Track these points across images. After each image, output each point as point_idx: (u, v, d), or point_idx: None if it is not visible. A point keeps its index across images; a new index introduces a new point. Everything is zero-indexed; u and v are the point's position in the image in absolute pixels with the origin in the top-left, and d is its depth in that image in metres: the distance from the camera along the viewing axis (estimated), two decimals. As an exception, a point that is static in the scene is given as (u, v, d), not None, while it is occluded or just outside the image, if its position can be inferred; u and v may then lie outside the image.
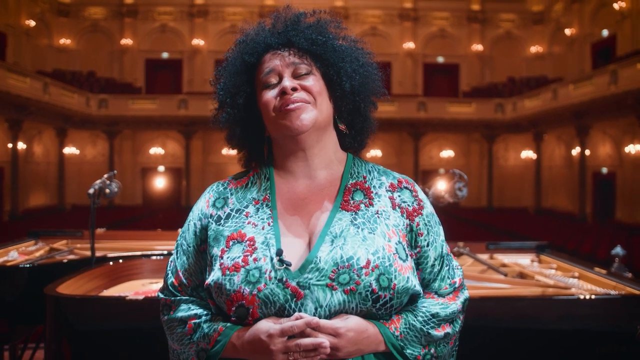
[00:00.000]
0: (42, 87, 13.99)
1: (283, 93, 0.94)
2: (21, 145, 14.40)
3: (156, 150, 18.54)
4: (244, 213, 0.96)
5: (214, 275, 0.91)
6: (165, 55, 19.28)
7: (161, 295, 1.01)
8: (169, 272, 1.01)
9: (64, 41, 18.42)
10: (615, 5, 14.26)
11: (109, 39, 19.01)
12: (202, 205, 1.00)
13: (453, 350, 1.00)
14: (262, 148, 1.05)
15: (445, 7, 19.40)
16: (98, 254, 2.35)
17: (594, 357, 1.78)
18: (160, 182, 18.49)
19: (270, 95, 0.96)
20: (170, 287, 0.99)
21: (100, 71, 18.58)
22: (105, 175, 2.30)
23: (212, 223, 0.97)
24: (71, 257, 2.73)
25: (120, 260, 2.26)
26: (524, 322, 1.84)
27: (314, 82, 0.97)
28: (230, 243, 0.92)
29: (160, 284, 2.29)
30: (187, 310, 0.95)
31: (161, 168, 18.73)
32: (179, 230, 3.46)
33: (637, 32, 13.62)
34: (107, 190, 2.24)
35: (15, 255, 2.65)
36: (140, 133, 18.53)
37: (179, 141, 18.33)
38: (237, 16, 19.11)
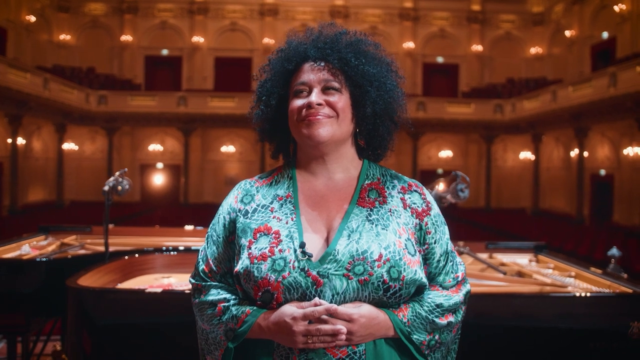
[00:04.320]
0: (42, 83, 13.99)
1: (309, 106, 1.04)
2: (20, 141, 14.39)
3: (155, 147, 18.53)
4: (269, 208, 1.06)
5: (243, 264, 1.00)
6: (165, 52, 19.26)
7: (192, 281, 1.11)
8: (200, 259, 1.11)
9: (64, 37, 18.38)
10: (616, 8, 14.31)
11: (109, 35, 18.99)
12: (231, 201, 1.10)
13: (456, 338, 1.10)
14: (288, 145, 1.16)
15: (445, 7, 19.41)
16: (109, 249, 2.41)
17: (587, 352, 1.85)
18: (158, 179, 18.51)
19: (297, 103, 1.06)
20: (201, 273, 1.09)
21: (100, 67, 18.57)
22: (118, 173, 2.37)
23: (240, 217, 1.07)
24: (83, 251, 2.79)
25: (137, 255, 2.32)
26: (522, 318, 1.92)
27: (340, 99, 1.06)
28: (257, 235, 1.02)
29: (171, 279, 2.37)
30: (217, 294, 1.05)
31: (160, 165, 18.73)
32: (186, 227, 3.53)
33: (637, 35, 13.65)
34: (120, 187, 2.31)
35: (27, 249, 2.71)
36: (139, 130, 18.52)
37: (178, 138, 18.34)
38: (236, 14, 19.13)
